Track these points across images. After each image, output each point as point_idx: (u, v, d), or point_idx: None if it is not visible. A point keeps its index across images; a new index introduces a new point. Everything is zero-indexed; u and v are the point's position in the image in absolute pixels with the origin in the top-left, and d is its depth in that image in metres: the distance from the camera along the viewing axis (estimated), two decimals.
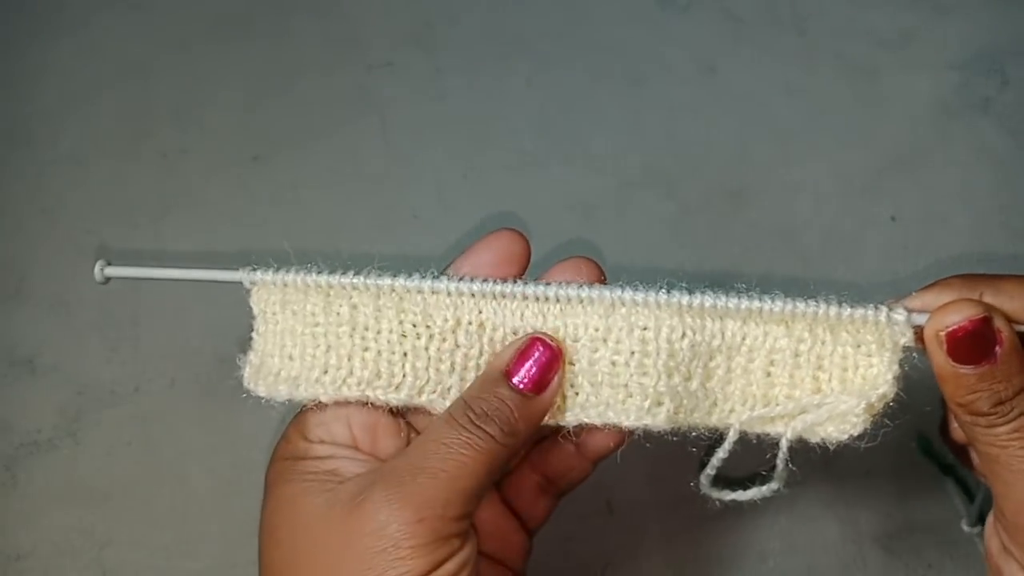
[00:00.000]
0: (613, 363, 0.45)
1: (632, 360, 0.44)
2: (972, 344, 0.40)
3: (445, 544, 0.41)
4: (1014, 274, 0.42)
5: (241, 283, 0.47)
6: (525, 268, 0.48)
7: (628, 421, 0.45)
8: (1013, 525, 0.41)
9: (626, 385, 0.45)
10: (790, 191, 0.82)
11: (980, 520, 0.61)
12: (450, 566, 0.41)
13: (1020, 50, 0.89)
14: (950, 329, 0.40)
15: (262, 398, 0.47)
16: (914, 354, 0.43)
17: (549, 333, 0.45)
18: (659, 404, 0.45)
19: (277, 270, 0.47)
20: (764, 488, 0.46)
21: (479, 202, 0.82)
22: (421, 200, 0.83)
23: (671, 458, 0.71)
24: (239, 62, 0.90)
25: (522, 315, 0.46)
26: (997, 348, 0.39)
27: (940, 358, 0.40)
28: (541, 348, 0.44)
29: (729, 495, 0.47)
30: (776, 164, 0.84)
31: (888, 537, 0.68)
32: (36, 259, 0.80)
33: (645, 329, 0.44)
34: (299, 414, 0.47)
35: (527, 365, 0.44)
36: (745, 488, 0.47)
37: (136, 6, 0.93)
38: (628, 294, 0.44)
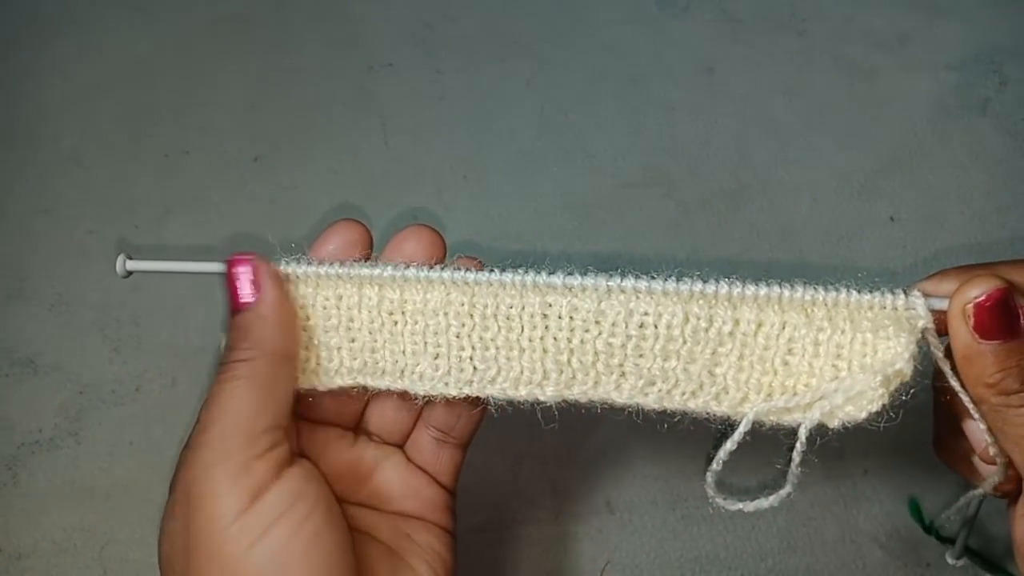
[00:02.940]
0: (609, 344, 0.44)
1: (629, 343, 0.44)
2: (999, 316, 0.39)
3: (246, 475, 0.42)
4: (1005, 260, 0.42)
5: None
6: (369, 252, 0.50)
7: (621, 399, 0.45)
8: None
9: (621, 365, 0.45)
10: (789, 191, 0.82)
11: (969, 553, 0.61)
12: (273, 499, 0.42)
13: (1018, 50, 0.89)
14: (978, 300, 0.39)
15: None
16: (927, 344, 0.42)
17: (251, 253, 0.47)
18: (651, 384, 0.44)
19: (297, 261, 0.48)
20: (772, 498, 0.45)
21: (479, 202, 0.83)
22: (421, 200, 0.83)
23: (670, 458, 0.71)
24: (240, 62, 0.90)
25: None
26: (1022, 321, 0.39)
27: (966, 337, 0.40)
28: (237, 266, 0.46)
29: (736, 504, 0.46)
30: (775, 164, 0.84)
31: (887, 537, 0.68)
32: (38, 259, 0.80)
33: (645, 315, 0.44)
34: None
35: (238, 288, 0.46)
36: (753, 498, 0.46)
37: (137, 6, 0.93)
38: (629, 282, 0.44)
